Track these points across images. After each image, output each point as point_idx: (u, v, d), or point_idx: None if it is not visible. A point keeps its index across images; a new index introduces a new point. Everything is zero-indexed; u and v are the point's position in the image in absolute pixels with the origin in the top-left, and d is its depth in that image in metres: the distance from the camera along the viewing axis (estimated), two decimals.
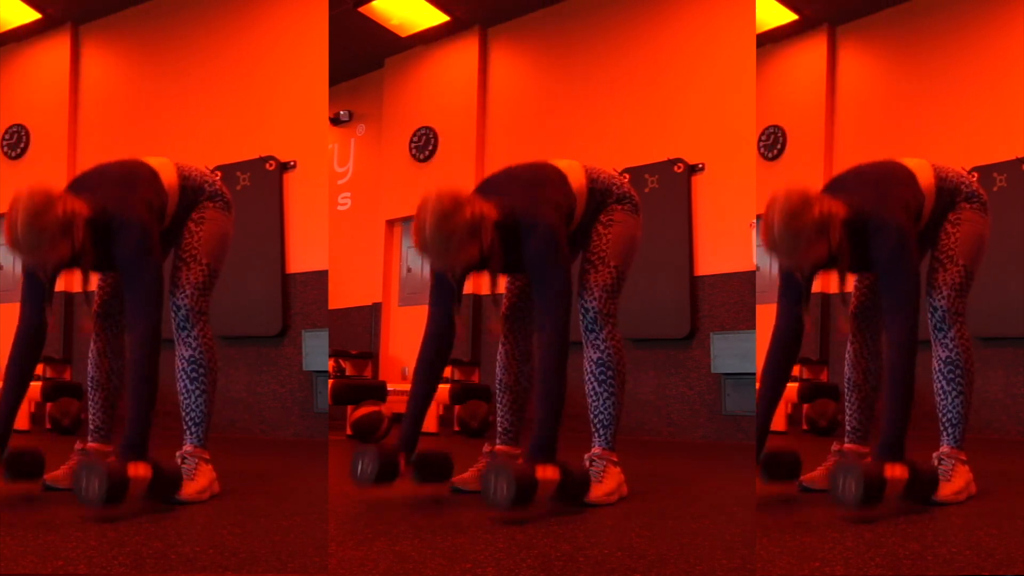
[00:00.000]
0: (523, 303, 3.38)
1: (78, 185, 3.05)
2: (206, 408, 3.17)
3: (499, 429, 3.41)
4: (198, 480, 3.07)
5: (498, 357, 3.41)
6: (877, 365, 3.35)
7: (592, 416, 3.18)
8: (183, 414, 3.17)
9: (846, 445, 3.37)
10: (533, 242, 3.03)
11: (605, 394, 3.15)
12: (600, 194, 3.24)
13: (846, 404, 3.39)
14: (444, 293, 3.18)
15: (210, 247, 3.20)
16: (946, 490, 3.01)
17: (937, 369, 3.15)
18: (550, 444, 2.92)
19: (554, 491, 2.87)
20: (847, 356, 3.39)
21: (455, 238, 2.90)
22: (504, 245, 3.07)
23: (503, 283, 3.37)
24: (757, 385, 3.22)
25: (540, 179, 3.17)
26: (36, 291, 3.11)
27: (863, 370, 3.36)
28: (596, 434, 3.17)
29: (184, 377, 3.16)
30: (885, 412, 2.92)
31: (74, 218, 2.86)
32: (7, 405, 3.09)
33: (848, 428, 3.39)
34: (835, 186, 3.12)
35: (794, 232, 2.85)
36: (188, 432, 3.15)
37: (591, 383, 3.18)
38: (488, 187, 3.16)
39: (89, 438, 3.34)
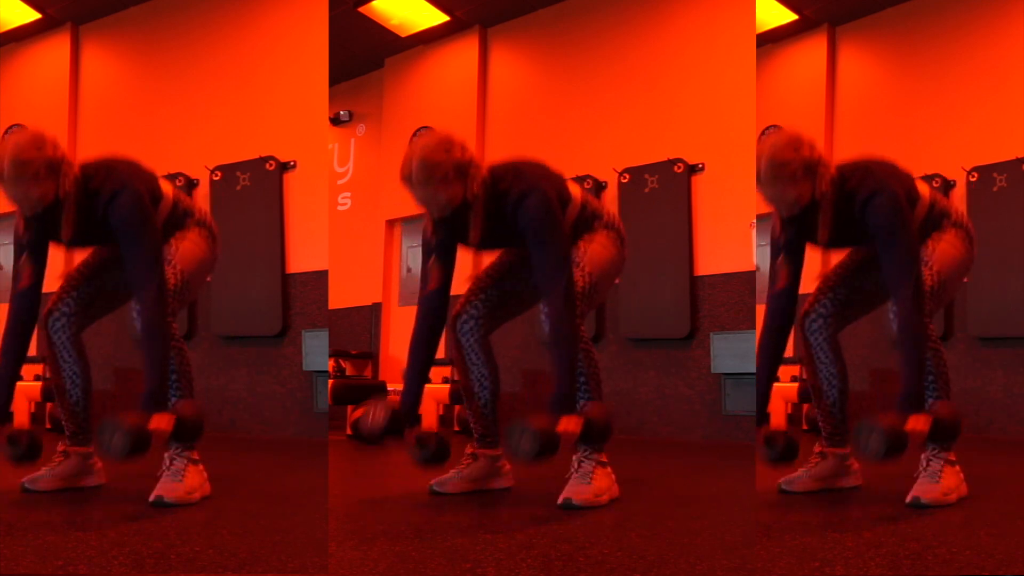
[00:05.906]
0: (484, 311, 3.32)
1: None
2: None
3: (475, 435, 3.39)
4: (186, 481, 3.04)
5: (454, 363, 3.38)
6: (839, 368, 3.32)
7: None
8: None
9: (827, 448, 3.35)
10: (531, 204, 3.06)
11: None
12: (591, 214, 3.28)
13: (817, 411, 3.36)
14: (444, 251, 3.18)
15: (187, 263, 3.20)
16: (934, 492, 2.99)
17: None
18: (569, 397, 3.00)
19: (577, 437, 2.99)
20: (808, 363, 3.35)
21: (439, 171, 2.96)
22: (489, 206, 3.08)
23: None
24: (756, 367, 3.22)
25: (541, 166, 3.24)
26: (36, 248, 3.08)
27: (824, 376, 3.33)
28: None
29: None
30: (901, 367, 2.96)
31: (63, 163, 2.92)
32: (7, 371, 3.07)
33: (824, 435, 3.36)
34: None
35: (780, 164, 2.96)
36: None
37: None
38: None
39: (69, 443, 3.29)
